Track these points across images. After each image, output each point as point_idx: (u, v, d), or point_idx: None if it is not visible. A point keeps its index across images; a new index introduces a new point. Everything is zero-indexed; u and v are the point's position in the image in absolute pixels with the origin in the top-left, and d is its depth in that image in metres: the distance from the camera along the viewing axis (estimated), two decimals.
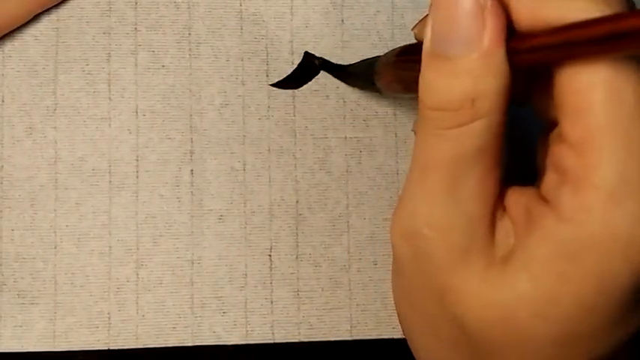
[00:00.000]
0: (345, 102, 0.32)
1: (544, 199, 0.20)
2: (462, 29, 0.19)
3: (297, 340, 0.31)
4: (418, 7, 0.33)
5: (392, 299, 0.25)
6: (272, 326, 0.31)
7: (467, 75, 0.19)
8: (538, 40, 0.18)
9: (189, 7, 0.32)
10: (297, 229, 0.32)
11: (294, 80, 0.33)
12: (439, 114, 0.20)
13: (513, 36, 0.19)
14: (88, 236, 0.31)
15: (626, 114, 0.18)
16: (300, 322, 0.31)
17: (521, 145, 0.24)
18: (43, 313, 0.31)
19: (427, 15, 0.26)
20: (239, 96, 0.32)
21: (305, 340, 0.31)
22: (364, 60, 0.31)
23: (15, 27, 0.31)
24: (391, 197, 0.32)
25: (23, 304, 0.31)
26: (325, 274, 0.32)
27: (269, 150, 0.32)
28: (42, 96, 0.32)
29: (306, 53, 0.33)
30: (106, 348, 0.31)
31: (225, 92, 0.32)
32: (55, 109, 0.32)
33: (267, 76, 0.32)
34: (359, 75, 0.31)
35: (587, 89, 0.18)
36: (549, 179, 0.20)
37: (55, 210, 0.31)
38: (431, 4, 0.20)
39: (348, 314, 0.32)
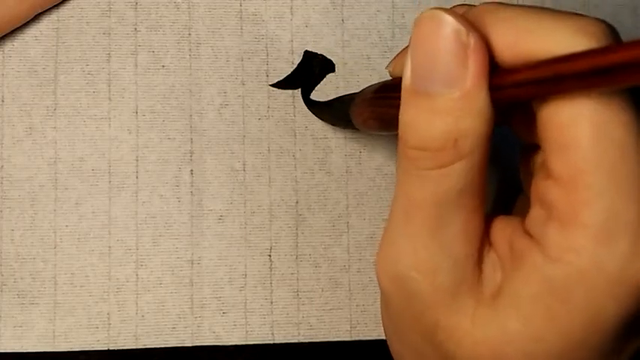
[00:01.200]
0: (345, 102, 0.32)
1: (529, 234, 0.19)
2: (444, 67, 0.18)
3: (296, 341, 0.31)
4: (419, 7, 0.33)
5: None
6: (272, 327, 0.31)
7: (449, 114, 0.18)
8: (521, 75, 0.18)
9: (189, 8, 0.32)
10: (296, 229, 0.32)
11: (294, 80, 0.33)
12: (420, 154, 0.19)
13: (495, 71, 0.18)
14: (87, 236, 0.31)
15: (614, 150, 0.17)
16: (300, 323, 0.31)
17: (504, 157, 0.24)
18: (42, 314, 0.31)
19: (401, 52, 0.25)
20: (239, 96, 0.32)
21: (305, 341, 0.31)
22: (339, 97, 0.31)
23: (15, 27, 0.31)
24: (391, 198, 0.32)
25: (23, 304, 0.31)
26: (325, 274, 0.32)
27: (269, 150, 0.32)
28: (42, 96, 0.32)
29: (307, 52, 0.33)
30: (106, 348, 0.31)
31: (225, 92, 0.32)
32: (55, 109, 0.32)
33: (267, 76, 0.32)
34: (334, 112, 0.30)
35: (572, 124, 0.17)
36: (535, 213, 0.19)
37: (54, 210, 0.31)
38: (411, 39, 0.19)
39: (347, 314, 0.32)
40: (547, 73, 0.17)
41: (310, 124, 0.32)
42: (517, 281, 0.19)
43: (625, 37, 0.35)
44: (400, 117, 0.20)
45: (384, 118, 0.23)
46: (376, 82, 0.28)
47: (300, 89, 0.32)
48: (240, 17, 0.33)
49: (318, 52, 0.33)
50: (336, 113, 0.30)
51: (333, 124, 0.32)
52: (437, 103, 0.18)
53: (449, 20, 0.18)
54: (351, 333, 0.31)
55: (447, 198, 0.19)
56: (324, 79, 0.33)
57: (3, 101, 0.32)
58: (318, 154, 0.32)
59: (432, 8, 0.19)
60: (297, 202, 0.32)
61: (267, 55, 0.32)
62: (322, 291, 0.32)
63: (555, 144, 0.18)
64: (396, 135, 0.20)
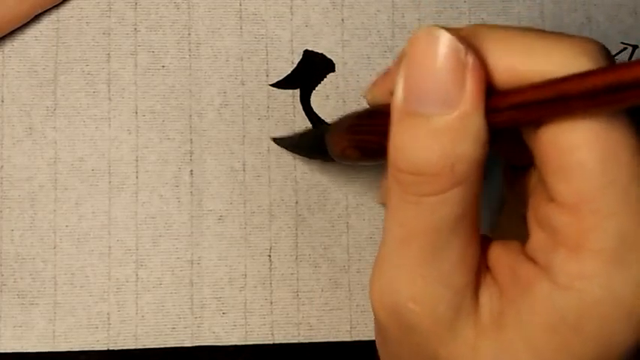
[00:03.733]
0: (345, 102, 0.32)
1: (532, 259, 0.19)
2: (441, 87, 0.17)
3: (296, 341, 0.31)
4: (419, 7, 0.33)
5: None
6: (271, 327, 0.31)
7: (446, 136, 0.17)
8: (522, 97, 0.17)
9: (189, 8, 0.32)
10: (296, 229, 0.32)
11: (294, 80, 0.32)
12: (415, 179, 0.18)
13: (493, 94, 0.18)
14: (87, 236, 0.31)
15: (622, 173, 0.17)
16: (300, 323, 0.31)
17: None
18: (42, 314, 0.31)
19: (379, 78, 0.23)
20: (239, 96, 0.32)
21: (304, 341, 0.31)
22: (312, 129, 0.30)
23: (15, 27, 0.31)
24: None
25: (23, 304, 0.31)
26: (325, 274, 0.32)
27: (269, 150, 0.32)
28: (42, 96, 0.32)
29: (306, 52, 0.33)
30: (106, 348, 0.31)
31: (224, 92, 0.32)
32: (54, 110, 0.32)
33: (267, 75, 0.32)
34: (308, 145, 0.30)
35: (576, 147, 0.17)
36: (538, 238, 0.19)
37: (54, 210, 0.31)
38: (403, 56, 0.18)
39: (347, 315, 0.32)
40: (551, 94, 0.16)
41: (310, 124, 0.32)
42: (523, 310, 0.18)
43: (625, 37, 0.35)
44: (391, 140, 0.19)
45: (366, 147, 0.22)
46: None
47: (299, 87, 0.32)
48: (240, 17, 0.33)
49: (318, 52, 0.33)
50: (310, 146, 0.29)
51: (308, 157, 0.31)
52: (433, 124, 0.17)
53: (447, 38, 0.17)
54: (351, 333, 0.31)
55: (444, 225, 0.18)
56: (324, 79, 0.33)
57: (3, 101, 0.32)
58: None
59: (428, 26, 0.18)
60: (296, 203, 0.32)
61: (267, 55, 0.32)
62: (322, 291, 0.32)
63: (559, 168, 0.17)
64: (377, 163, 0.20)
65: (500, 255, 0.20)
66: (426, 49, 0.17)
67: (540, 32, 0.18)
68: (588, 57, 0.17)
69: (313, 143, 0.28)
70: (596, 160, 0.17)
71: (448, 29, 0.18)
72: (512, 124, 0.18)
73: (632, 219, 0.17)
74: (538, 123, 0.18)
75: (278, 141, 0.32)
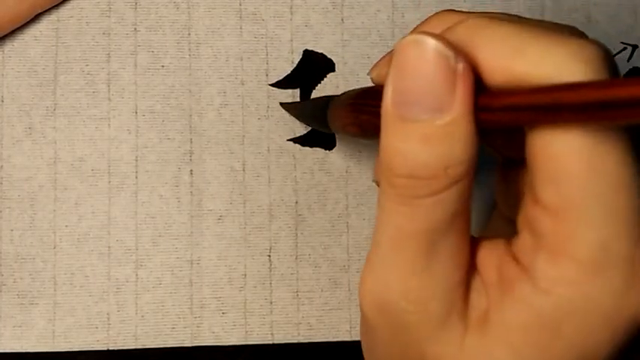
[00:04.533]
0: None
1: (517, 260, 0.19)
2: (432, 93, 0.17)
3: (296, 341, 0.31)
4: (419, 7, 0.33)
5: None
6: (271, 327, 0.31)
7: (439, 140, 0.18)
8: (513, 99, 0.17)
9: (188, 8, 0.32)
10: (296, 229, 0.32)
11: (294, 80, 0.32)
12: (410, 182, 0.18)
13: (486, 92, 0.18)
14: (87, 236, 0.31)
15: (607, 184, 0.17)
16: (300, 323, 0.31)
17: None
18: (42, 314, 0.31)
19: (382, 58, 0.24)
20: (238, 96, 0.32)
21: (304, 341, 0.31)
22: (316, 99, 0.30)
23: (15, 27, 0.31)
24: None
25: (23, 304, 0.31)
26: (325, 274, 0.32)
27: (268, 150, 0.32)
28: (42, 96, 0.32)
29: (306, 51, 0.33)
30: (106, 348, 0.31)
31: (224, 92, 0.32)
32: (54, 110, 0.32)
33: (267, 75, 0.32)
34: (311, 115, 0.30)
35: (565, 155, 0.17)
36: (523, 240, 0.19)
37: (54, 210, 0.31)
38: (392, 55, 0.18)
39: (347, 315, 0.32)
40: (543, 101, 0.16)
41: (310, 125, 0.32)
42: (505, 310, 0.18)
43: (625, 37, 0.35)
44: (383, 143, 0.19)
45: (364, 125, 0.23)
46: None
47: (299, 89, 0.32)
48: (240, 17, 0.33)
49: (318, 52, 0.33)
50: (313, 116, 0.29)
51: (307, 124, 0.31)
52: (425, 129, 0.18)
53: (435, 45, 0.17)
54: (351, 333, 0.31)
55: (438, 226, 0.19)
56: (324, 79, 0.33)
57: (3, 101, 0.32)
58: (317, 154, 0.32)
59: (415, 32, 0.18)
60: (296, 202, 0.32)
61: (267, 55, 0.32)
62: (322, 291, 0.32)
63: (546, 173, 0.17)
64: (374, 143, 0.20)
65: (487, 254, 0.20)
66: (414, 56, 0.17)
67: (540, 29, 0.18)
68: (585, 63, 0.17)
69: (316, 113, 0.28)
70: (583, 169, 0.17)
71: (436, 35, 0.18)
72: (502, 125, 0.18)
73: (615, 229, 0.17)
74: (530, 126, 0.18)
75: (285, 105, 0.31)
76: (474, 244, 0.20)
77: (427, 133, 0.18)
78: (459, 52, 0.17)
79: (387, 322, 0.20)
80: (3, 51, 0.32)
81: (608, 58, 0.17)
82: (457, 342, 0.19)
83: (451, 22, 0.19)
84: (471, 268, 0.20)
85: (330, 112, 0.26)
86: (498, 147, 0.23)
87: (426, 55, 0.17)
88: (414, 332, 0.20)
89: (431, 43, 0.17)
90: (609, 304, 0.17)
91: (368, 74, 0.25)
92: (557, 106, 0.16)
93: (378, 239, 0.20)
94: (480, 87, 0.18)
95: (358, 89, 0.24)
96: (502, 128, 0.18)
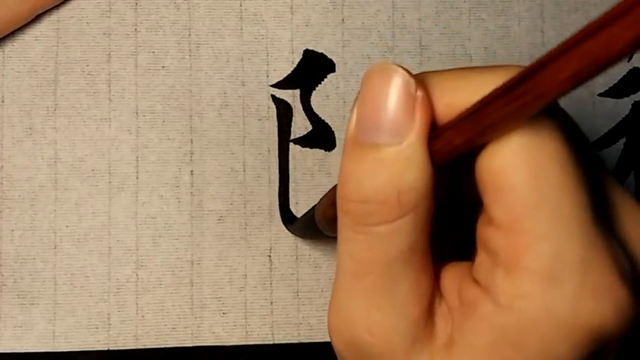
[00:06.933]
0: (345, 102, 0.32)
1: (477, 282, 0.19)
2: (392, 117, 0.18)
3: (296, 341, 0.31)
4: (419, 7, 0.33)
5: None
6: (272, 327, 0.31)
7: (393, 164, 0.18)
8: (451, 126, 0.18)
9: (189, 8, 0.32)
10: None
11: (294, 80, 0.32)
12: (364, 208, 0.18)
13: (435, 129, 0.19)
14: (87, 237, 0.31)
15: (551, 192, 0.17)
16: (300, 323, 0.31)
17: None
18: (42, 314, 0.31)
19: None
20: (239, 97, 0.32)
21: (305, 341, 0.31)
22: (305, 214, 0.30)
23: (16, 27, 0.31)
24: None
25: (23, 304, 0.31)
26: (325, 274, 0.32)
27: (269, 151, 0.32)
28: (42, 96, 0.32)
29: (307, 52, 0.33)
30: (106, 348, 0.31)
31: (225, 93, 0.32)
32: (55, 110, 0.32)
33: (268, 76, 0.32)
34: (304, 227, 0.30)
35: (507, 169, 0.17)
36: (481, 260, 0.19)
37: (54, 210, 0.31)
38: (359, 91, 0.19)
39: None
40: (472, 108, 0.17)
41: (310, 125, 0.32)
42: (469, 331, 0.19)
43: None
44: (340, 172, 0.19)
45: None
46: None
47: (300, 89, 0.32)
48: (241, 17, 0.33)
49: (318, 52, 0.33)
50: (305, 228, 0.30)
51: (311, 238, 0.31)
52: (382, 154, 0.18)
53: (400, 72, 0.18)
54: None
55: (396, 257, 0.19)
56: (324, 79, 0.33)
57: (3, 101, 0.32)
58: (317, 155, 0.32)
59: (382, 62, 0.19)
60: (297, 203, 0.32)
61: (268, 55, 0.32)
62: (322, 291, 0.32)
63: (492, 190, 0.18)
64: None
65: (450, 279, 0.20)
66: (379, 83, 0.18)
67: (474, 69, 0.19)
68: (502, 78, 0.17)
69: (307, 223, 0.28)
70: (524, 180, 0.17)
71: (400, 65, 0.18)
72: (452, 154, 0.18)
73: (564, 236, 0.17)
74: (475, 150, 0.18)
75: (291, 229, 0.32)
76: (438, 270, 0.20)
77: (382, 157, 0.18)
78: (420, 82, 0.18)
79: (355, 355, 0.20)
80: (3, 51, 0.32)
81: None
82: None
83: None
84: (436, 294, 0.20)
85: (316, 212, 0.26)
86: (468, 195, 0.23)
87: (390, 81, 0.18)
88: None
89: (395, 69, 0.18)
90: (567, 313, 0.17)
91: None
92: (481, 105, 0.17)
93: (338, 271, 0.20)
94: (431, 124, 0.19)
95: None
96: (451, 157, 0.19)
